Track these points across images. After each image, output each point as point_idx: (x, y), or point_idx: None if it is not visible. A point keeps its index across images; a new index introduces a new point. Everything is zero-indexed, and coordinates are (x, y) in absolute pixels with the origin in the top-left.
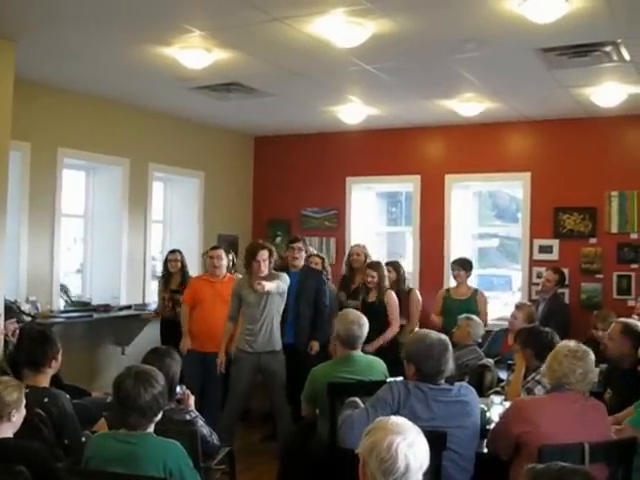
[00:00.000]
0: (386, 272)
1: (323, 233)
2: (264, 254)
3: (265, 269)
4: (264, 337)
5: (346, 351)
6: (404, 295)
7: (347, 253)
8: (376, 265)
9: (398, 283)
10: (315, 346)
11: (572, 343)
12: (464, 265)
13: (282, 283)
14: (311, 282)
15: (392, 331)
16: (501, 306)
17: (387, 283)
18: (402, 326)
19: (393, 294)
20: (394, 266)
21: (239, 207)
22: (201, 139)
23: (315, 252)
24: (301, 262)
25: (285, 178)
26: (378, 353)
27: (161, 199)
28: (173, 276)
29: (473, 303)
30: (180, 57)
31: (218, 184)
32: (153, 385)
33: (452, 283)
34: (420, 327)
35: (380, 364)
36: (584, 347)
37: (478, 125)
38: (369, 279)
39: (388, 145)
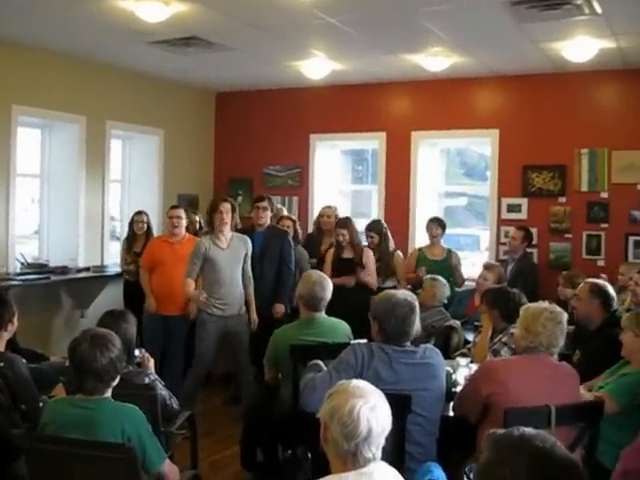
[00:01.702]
0: (356, 227)
1: (286, 192)
2: (226, 206)
3: (228, 222)
4: (234, 299)
5: (309, 313)
6: (389, 257)
7: (317, 214)
8: (345, 222)
9: (381, 244)
10: (279, 309)
11: (547, 304)
12: (442, 224)
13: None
14: (275, 243)
15: (372, 281)
16: (469, 266)
17: (359, 238)
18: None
19: (370, 253)
20: (376, 229)
21: (200, 166)
22: (160, 96)
23: (286, 214)
24: (266, 221)
25: (247, 135)
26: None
27: (119, 158)
28: (138, 238)
29: (449, 263)
30: (137, 10)
31: (178, 142)
32: (109, 348)
33: (417, 243)
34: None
35: (344, 326)
36: (559, 309)
37: (445, 80)
38: (340, 237)
39: (353, 101)
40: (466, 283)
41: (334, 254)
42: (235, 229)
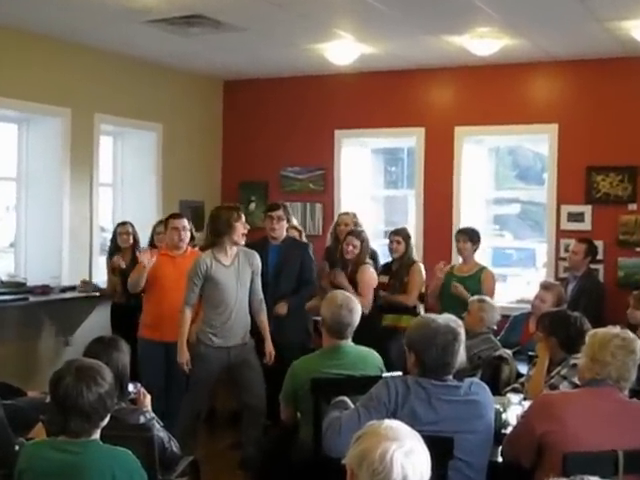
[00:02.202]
0: (369, 244)
1: (307, 198)
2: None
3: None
4: (238, 327)
5: (333, 341)
6: (405, 272)
7: (333, 223)
8: (360, 234)
9: (404, 256)
10: (281, 308)
11: (618, 330)
12: (471, 236)
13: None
14: (294, 258)
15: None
16: (523, 286)
17: (366, 257)
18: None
19: (369, 269)
20: (404, 235)
21: (205, 167)
22: (158, 85)
23: (293, 223)
24: (282, 233)
25: (261, 132)
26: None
27: (110, 158)
28: (123, 253)
29: (476, 282)
30: None
31: (179, 139)
32: (98, 382)
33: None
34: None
35: (374, 356)
36: (632, 335)
37: (495, 66)
38: (349, 248)
39: (385, 91)
40: (520, 306)
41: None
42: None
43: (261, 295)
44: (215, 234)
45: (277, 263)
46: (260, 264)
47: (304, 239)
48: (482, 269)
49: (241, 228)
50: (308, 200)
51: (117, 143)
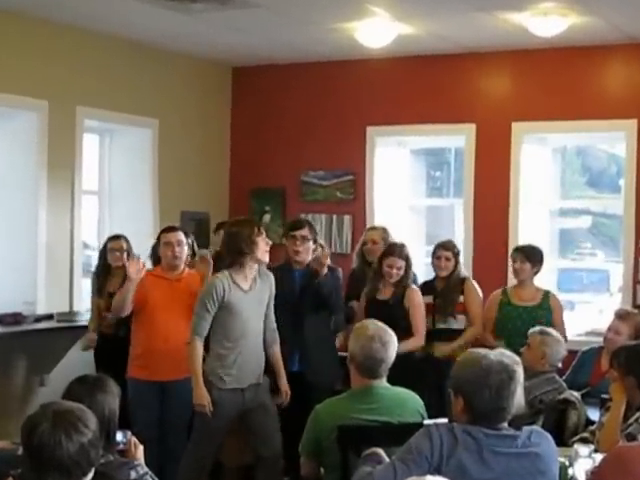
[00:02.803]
0: (411, 262)
1: (333, 209)
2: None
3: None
4: (254, 363)
5: (364, 381)
6: (457, 286)
7: (361, 240)
8: (402, 250)
9: (454, 272)
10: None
11: None
12: (530, 255)
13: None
14: (323, 287)
15: (411, 344)
16: (594, 315)
17: (410, 279)
18: (459, 332)
19: (419, 292)
20: (454, 250)
21: (210, 171)
22: (155, 72)
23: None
24: (307, 257)
25: (277, 128)
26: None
27: (96, 160)
28: (113, 273)
29: (544, 313)
30: None
31: (179, 137)
32: (80, 430)
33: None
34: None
35: (414, 400)
36: None
37: (561, 50)
38: (394, 271)
39: (428, 80)
40: (590, 339)
41: (367, 293)
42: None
43: (274, 324)
44: (235, 253)
45: (301, 292)
46: (273, 289)
47: (326, 259)
48: (547, 294)
49: (264, 245)
50: (334, 211)
51: (104, 142)
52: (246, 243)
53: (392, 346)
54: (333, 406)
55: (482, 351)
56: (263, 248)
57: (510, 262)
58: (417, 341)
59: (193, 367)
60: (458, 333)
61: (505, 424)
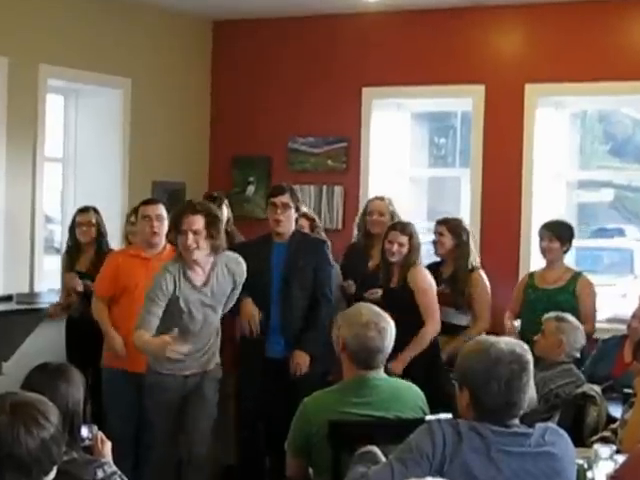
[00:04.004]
0: (419, 239)
1: (324, 179)
2: (195, 221)
3: (200, 245)
4: (202, 351)
5: (358, 372)
6: (464, 276)
7: (361, 211)
8: (406, 226)
9: (458, 257)
10: (301, 360)
11: None
12: (559, 232)
13: (231, 275)
14: (306, 259)
15: (426, 336)
16: (616, 299)
17: (417, 257)
18: (464, 328)
19: (424, 271)
20: (451, 227)
21: (187, 137)
22: (127, 26)
23: (303, 210)
24: (289, 226)
25: (262, 89)
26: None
27: (60, 123)
28: (83, 250)
29: (571, 296)
30: None
31: (154, 99)
32: (41, 424)
33: (534, 263)
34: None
35: (414, 392)
36: None
37: (581, 2)
38: (395, 247)
39: (431, 36)
40: (612, 326)
41: (382, 283)
42: (228, 244)
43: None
44: (171, 237)
45: (284, 267)
46: (244, 273)
47: (321, 233)
48: (576, 277)
49: (185, 241)
50: (325, 182)
51: (69, 104)
52: (170, 233)
53: (389, 334)
54: (323, 399)
55: (491, 338)
56: (183, 243)
57: (526, 241)
58: (431, 328)
59: (139, 345)
60: (461, 330)
61: (516, 420)
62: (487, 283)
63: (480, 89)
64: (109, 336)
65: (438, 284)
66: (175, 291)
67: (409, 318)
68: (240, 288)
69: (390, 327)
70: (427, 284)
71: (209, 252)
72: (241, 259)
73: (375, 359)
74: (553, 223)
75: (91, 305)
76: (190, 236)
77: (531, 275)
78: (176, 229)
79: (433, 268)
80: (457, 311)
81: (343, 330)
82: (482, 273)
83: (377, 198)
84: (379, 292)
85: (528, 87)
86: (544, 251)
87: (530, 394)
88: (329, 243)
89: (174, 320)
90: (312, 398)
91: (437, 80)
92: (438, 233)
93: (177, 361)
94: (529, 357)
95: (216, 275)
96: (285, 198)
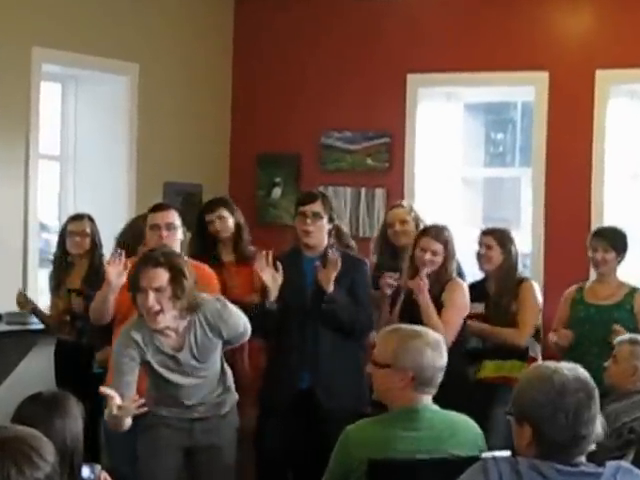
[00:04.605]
0: (454, 248)
1: (362, 180)
2: (157, 277)
3: (164, 307)
4: (207, 393)
5: (413, 398)
6: (511, 291)
7: (379, 228)
8: (441, 232)
9: (505, 268)
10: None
11: None
12: (614, 241)
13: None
14: (342, 278)
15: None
16: None
17: (456, 265)
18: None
19: (463, 288)
20: (499, 237)
21: (205, 132)
22: (133, 3)
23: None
24: (320, 238)
25: (292, 78)
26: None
27: (57, 116)
28: (74, 264)
29: (623, 315)
30: None
31: (165, 88)
32: (35, 463)
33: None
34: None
35: (470, 426)
36: None
37: None
38: (427, 256)
39: (487, 15)
40: None
41: (404, 293)
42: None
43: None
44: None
45: (314, 287)
46: (236, 325)
47: (350, 241)
48: (633, 292)
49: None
50: (364, 183)
51: (68, 93)
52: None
53: (444, 353)
54: (367, 430)
55: (551, 365)
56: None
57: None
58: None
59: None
60: (510, 349)
61: (583, 458)
62: (538, 295)
63: (543, 76)
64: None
65: (486, 303)
66: (145, 359)
67: None
68: (240, 339)
69: (442, 345)
70: (462, 303)
71: (183, 314)
72: (225, 303)
73: (431, 383)
74: (607, 230)
75: (83, 327)
76: (151, 295)
77: (579, 289)
78: (134, 286)
79: (477, 287)
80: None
81: (398, 349)
82: (533, 283)
83: (394, 206)
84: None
85: (599, 74)
86: (597, 263)
87: (598, 428)
88: (368, 262)
89: (157, 385)
90: (356, 427)
91: (494, 66)
92: (485, 245)
93: (180, 404)
94: (594, 384)
95: (193, 337)
96: (317, 207)
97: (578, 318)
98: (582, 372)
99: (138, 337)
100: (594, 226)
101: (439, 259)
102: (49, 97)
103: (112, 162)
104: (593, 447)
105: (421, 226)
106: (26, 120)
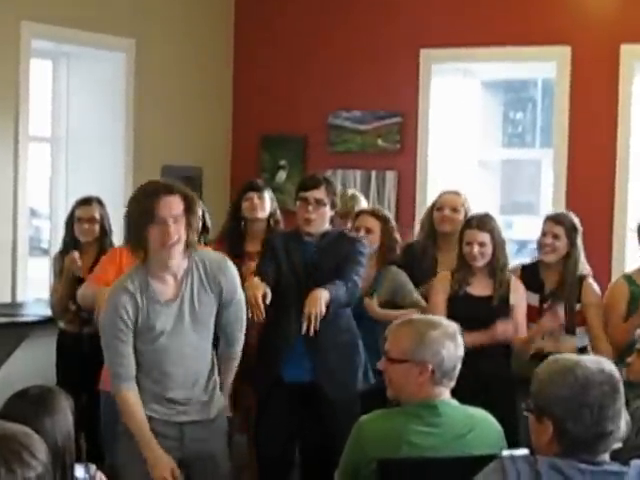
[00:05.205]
0: (503, 238)
1: (373, 162)
2: (174, 204)
3: (181, 238)
4: (196, 390)
5: (431, 392)
6: (575, 288)
7: (430, 205)
8: (484, 221)
9: (568, 263)
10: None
11: None
12: None
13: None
14: (335, 258)
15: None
16: None
17: (506, 257)
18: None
19: (521, 286)
20: (568, 227)
21: (205, 111)
22: None
23: (367, 206)
24: (321, 226)
25: (298, 53)
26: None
27: (48, 95)
28: (83, 251)
29: None
30: None
31: (163, 65)
32: (25, 462)
33: (630, 262)
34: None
35: (490, 423)
36: None
37: None
38: (476, 249)
39: None
40: None
41: (453, 284)
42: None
43: (236, 335)
44: (133, 242)
45: (314, 269)
46: (234, 283)
47: (396, 235)
48: None
49: (165, 229)
50: (374, 166)
51: (60, 71)
52: (135, 228)
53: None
54: (381, 422)
55: (573, 357)
56: (156, 237)
57: (622, 235)
58: (519, 343)
59: (134, 428)
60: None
61: (606, 456)
62: (599, 294)
63: (565, 51)
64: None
65: (541, 300)
66: (138, 316)
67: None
68: (236, 306)
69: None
70: (522, 298)
71: (183, 252)
72: (228, 267)
73: (449, 376)
74: None
75: (85, 319)
76: (171, 225)
77: (631, 281)
78: (144, 220)
79: (530, 272)
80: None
81: (415, 338)
82: (593, 283)
83: (451, 192)
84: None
85: (624, 48)
86: None
87: (623, 424)
88: (366, 244)
89: (149, 358)
90: (370, 419)
91: (513, 41)
92: (552, 235)
93: (171, 404)
94: (619, 379)
95: (191, 283)
96: (320, 193)
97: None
98: (607, 364)
99: (134, 288)
100: (618, 211)
101: (488, 250)
102: (39, 75)
103: (107, 144)
104: (619, 445)
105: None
106: (15, 100)
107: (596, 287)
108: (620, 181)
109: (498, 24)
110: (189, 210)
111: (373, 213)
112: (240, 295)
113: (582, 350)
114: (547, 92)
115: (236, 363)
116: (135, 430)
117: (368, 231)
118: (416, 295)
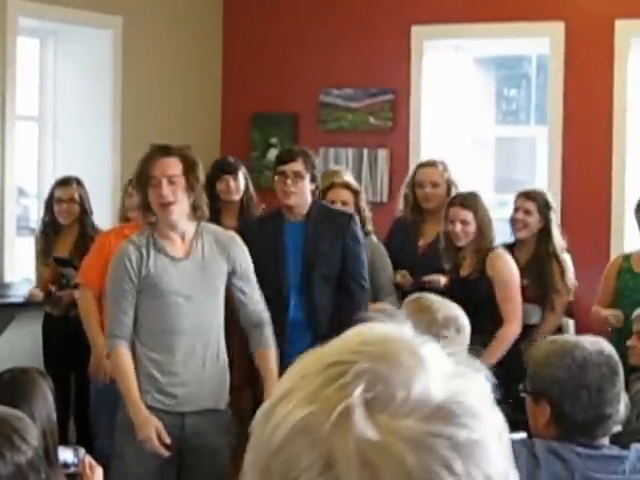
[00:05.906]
0: (488, 211)
1: (364, 140)
2: (169, 165)
3: (178, 198)
4: (202, 375)
5: None
6: (549, 265)
7: (407, 179)
8: (468, 199)
9: (542, 240)
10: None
11: None
12: None
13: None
14: (330, 239)
15: (508, 337)
16: None
17: (492, 237)
18: (531, 328)
19: (506, 257)
20: (539, 202)
21: (194, 89)
22: None
23: (343, 178)
24: (301, 200)
25: (288, 29)
26: None
27: (36, 74)
28: (63, 232)
29: None
30: None
31: (151, 42)
32: (16, 446)
33: (628, 243)
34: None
35: None
36: None
37: None
38: (458, 227)
39: None
40: None
41: (449, 269)
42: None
43: (261, 307)
44: (142, 204)
45: (302, 250)
46: (246, 257)
47: (365, 207)
48: None
49: (158, 191)
50: (366, 144)
51: (47, 50)
52: (140, 185)
53: (467, 333)
54: None
55: (571, 338)
56: (157, 197)
57: (618, 215)
58: (514, 327)
59: (123, 384)
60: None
61: (606, 440)
62: (572, 270)
63: (559, 27)
64: (96, 347)
65: (521, 276)
66: (143, 268)
67: (486, 313)
68: (249, 279)
69: (468, 325)
70: (511, 274)
71: (190, 216)
72: (235, 240)
73: None
74: None
75: (76, 300)
76: (165, 184)
77: (626, 258)
78: (143, 182)
79: (508, 251)
80: (540, 309)
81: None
82: (567, 258)
83: (427, 164)
84: (442, 280)
85: (619, 24)
86: None
87: (622, 406)
88: (360, 219)
89: (155, 317)
90: None
91: (506, 16)
92: (523, 210)
93: (173, 389)
94: (618, 360)
95: (201, 245)
96: (297, 165)
97: (627, 289)
98: (606, 345)
99: (140, 242)
100: (615, 189)
101: (471, 229)
102: (26, 53)
103: (94, 123)
104: (618, 428)
105: (453, 190)
106: (2, 78)
107: (569, 262)
108: (617, 158)
109: (490, 0)
110: (188, 171)
111: (347, 186)
112: (251, 270)
113: (531, 327)
114: (541, 68)
115: (272, 350)
116: (123, 390)
117: (344, 204)
118: (390, 287)
